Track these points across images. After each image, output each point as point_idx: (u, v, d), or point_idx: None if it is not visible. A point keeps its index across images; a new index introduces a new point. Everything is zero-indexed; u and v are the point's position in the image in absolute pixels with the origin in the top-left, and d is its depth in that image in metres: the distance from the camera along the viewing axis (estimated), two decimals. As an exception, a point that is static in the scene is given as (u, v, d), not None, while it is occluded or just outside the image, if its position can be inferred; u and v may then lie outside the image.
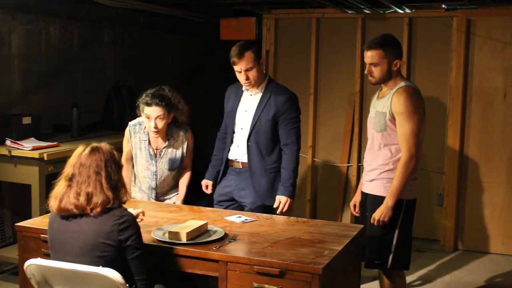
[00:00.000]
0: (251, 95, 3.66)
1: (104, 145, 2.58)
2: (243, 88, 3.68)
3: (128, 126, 3.83)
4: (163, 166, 3.77)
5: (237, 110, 3.69)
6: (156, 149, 3.76)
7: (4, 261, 4.53)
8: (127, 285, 2.46)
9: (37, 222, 3.18)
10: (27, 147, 4.18)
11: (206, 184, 3.87)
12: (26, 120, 4.48)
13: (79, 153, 2.54)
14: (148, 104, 3.60)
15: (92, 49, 5.63)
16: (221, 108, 4.05)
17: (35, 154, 4.10)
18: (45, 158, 4.11)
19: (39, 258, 2.52)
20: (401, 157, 3.22)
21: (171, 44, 6.73)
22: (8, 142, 4.29)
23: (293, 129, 3.59)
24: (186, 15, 6.19)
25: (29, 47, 4.86)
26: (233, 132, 3.71)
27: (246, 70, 3.50)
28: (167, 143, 3.76)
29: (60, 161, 4.24)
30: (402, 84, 3.29)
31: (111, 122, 5.37)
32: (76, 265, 2.48)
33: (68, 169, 2.53)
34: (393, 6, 5.20)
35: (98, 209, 2.47)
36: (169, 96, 3.69)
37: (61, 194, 2.50)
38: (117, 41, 5.86)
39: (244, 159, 3.66)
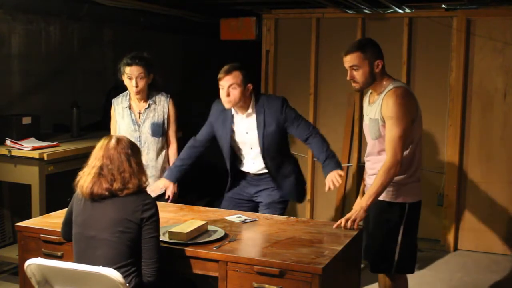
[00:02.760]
0: (243, 116, 3.64)
1: (122, 136, 2.77)
2: (233, 111, 3.65)
3: (113, 102, 4.02)
4: (146, 130, 3.90)
5: (234, 131, 3.67)
6: (138, 113, 3.92)
7: (4, 261, 4.53)
8: (127, 284, 2.47)
9: (37, 222, 3.18)
10: (27, 147, 4.18)
11: (166, 186, 3.74)
12: (26, 120, 4.48)
13: (105, 145, 2.69)
14: (129, 64, 3.82)
15: (92, 49, 5.63)
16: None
17: (35, 154, 4.10)
18: (45, 158, 4.11)
19: (39, 258, 2.52)
20: (385, 161, 3.11)
21: (171, 44, 6.73)
22: (8, 142, 4.29)
23: (303, 123, 3.65)
24: (186, 15, 6.19)
25: (29, 47, 4.86)
26: (236, 150, 3.72)
27: (229, 87, 3.49)
28: (148, 105, 3.93)
29: (60, 161, 4.27)
30: (391, 86, 3.17)
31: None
32: (76, 265, 2.49)
33: (95, 161, 2.67)
34: (393, 6, 5.21)
35: (130, 191, 2.62)
36: (148, 57, 3.91)
37: (92, 183, 2.63)
38: (117, 41, 5.86)
39: (263, 171, 3.72)
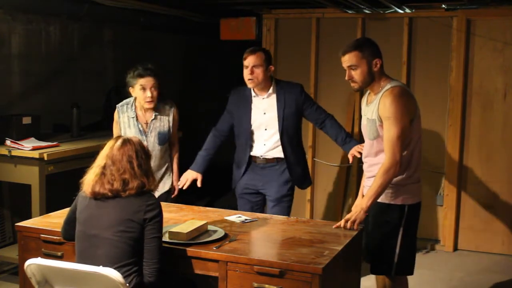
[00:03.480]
0: (263, 98, 3.83)
1: (134, 138, 2.81)
2: (252, 94, 3.85)
3: (116, 108, 4.02)
4: (153, 140, 3.95)
5: (252, 114, 3.86)
6: (145, 123, 3.96)
7: (4, 261, 4.53)
8: (128, 284, 2.47)
9: (37, 222, 3.19)
10: (27, 147, 4.19)
11: (194, 177, 3.89)
12: (26, 120, 4.48)
13: (111, 145, 2.73)
14: (142, 76, 3.85)
15: (92, 49, 5.63)
16: (220, 108, 4.07)
17: (35, 154, 4.10)
18: (45, 158, 4.11)
19: (39, 258, 2.52)
20: (384, 162, 3.09)
21: (171, 44, 6.73)
22: (8, 142, 4.29)
23: (319, 106, 3.96)
24: (186, 15, 6.19)
25: (29, 47, 4.86)
26: (252, 133, 3.88)
27: (253, 66, 3.71)
28: (154, 116, 3.96)
29: (60, 161, 4.27)
30: (388, 86, 3.14)
31: (111, 122, 5.36)
32: (76, 265, 2.50)
33: (100, 160, 2.72)
34: (393, 6, 5.21)
35: (133, 192, 2.64)
36: (155, 68, 3.97)
37: (94, 181, 2.67)
38: (117, 41, 5.86)
39: (270, 155, 3.87)
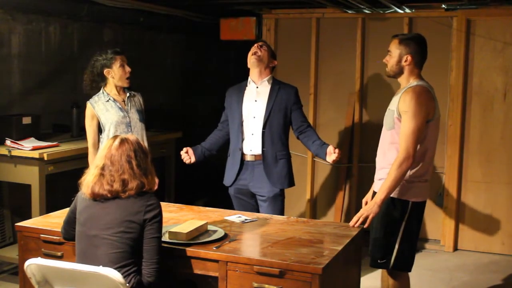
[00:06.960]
0: (257, 87, 3.93)
1: (131, 136, 2.78)
2: (248, 82, 3.96)
3: (88, 103, 3.98)
4: (134, 116, 4.02)
5: (243, 101, 3.94)
6: (122, 101, 4.02)
7: (4, 261, 4.53)
8: (128, 284, 2.48)
9: (37, 222, 3.19)
10: (27, 147, 4.18)
11: (187, 150, 3.99)
12: (26, 120, 4.48)
13: (109, 145, 2.71)
14: (119, 53, 3.98)
15: (92, 49, 5.62)
16: (220, 108, 4.08)
17: (35, 154, 4.10)
18: (45, 158, 4.11)
19: (39, 258, 2.52)
20: (397, 155, 3.16)
21: (171, 44, 6.73)
22: (8, 142, 4.29)
23: (304, 116, 4.04)
24: (186, 15, 6.19)
25: (29, 47, 4.86)
26: (242, 123, 3.92)
27: (263, 46, 3.92)
28: (129, 93, 4.05)
29: (60, 161, 4.26)
30: (414, 83, 3.28)
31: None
32: (76, 265, 2.50)
33: (99, 160, 2.70)
34: (393, 6, 5.21)
35: (132, 192, 2.63)
36: None
37: (93, 182, 2.66)
38: (117, 41, 5.86)
39: (258, 150, 3.88)
